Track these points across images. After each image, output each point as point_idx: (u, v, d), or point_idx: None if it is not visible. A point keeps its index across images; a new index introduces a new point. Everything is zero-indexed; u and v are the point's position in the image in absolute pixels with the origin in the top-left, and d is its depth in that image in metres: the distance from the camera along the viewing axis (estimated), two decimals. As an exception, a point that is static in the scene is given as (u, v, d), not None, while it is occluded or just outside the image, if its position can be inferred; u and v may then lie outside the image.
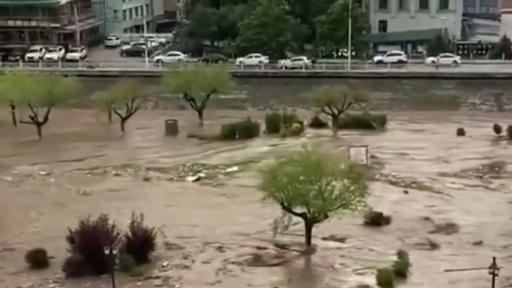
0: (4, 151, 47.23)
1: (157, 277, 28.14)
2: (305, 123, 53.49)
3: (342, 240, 31.77)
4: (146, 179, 41.52)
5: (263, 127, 52.11)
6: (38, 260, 29.04)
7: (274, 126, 51.96)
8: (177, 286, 27.36)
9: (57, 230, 30.21)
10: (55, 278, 28.12)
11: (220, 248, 30.94)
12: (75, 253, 28.57)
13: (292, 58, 79.05)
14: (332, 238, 31.80)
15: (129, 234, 29.22)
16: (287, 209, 30.30)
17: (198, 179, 41.20)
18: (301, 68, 77.17)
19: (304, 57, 79.06)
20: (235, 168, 42.92)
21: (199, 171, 42.60)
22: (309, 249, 30.52)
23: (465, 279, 27.17)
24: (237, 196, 37.26)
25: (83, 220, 28.88)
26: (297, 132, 51.32)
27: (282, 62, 78.55)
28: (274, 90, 72.34)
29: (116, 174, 42.48)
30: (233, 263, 29.45)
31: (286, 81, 75.38)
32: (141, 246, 29.13)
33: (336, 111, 52.92)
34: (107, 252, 26.26)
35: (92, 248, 27.71)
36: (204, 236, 32.15)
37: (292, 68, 77.45)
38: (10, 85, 51.39)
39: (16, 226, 32.95)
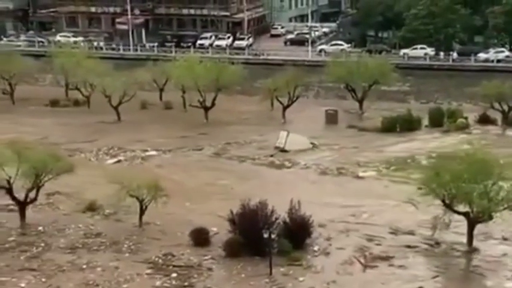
0: (180, 131, 50.39)
1: (300, 264, 28.12)
2: (471, 119, 51.23)
3: (507, 243, 30.17)
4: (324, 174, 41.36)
5: (425, 121, 50.65)
6: (199, 238, 30.02)
7: (437, 121, 50.40)
8: (301, 279, 27.15)
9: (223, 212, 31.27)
10: (214, 254, 29.20)
11: (370, 240, 30.54)
12: (235, 234, 29.72)
13: (495, 50, 75.53)
14: (497, 240, 30.30)
15: (287, 220, 29.79)
16: (448, 206, 29.35)
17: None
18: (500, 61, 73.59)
19: (505, 49, 75.23)
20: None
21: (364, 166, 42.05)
22: (470, 249, 29.38)
23: None
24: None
25: (244, 203, 29.90)
26: (462, 128, 49.38)
27: (481, 55, 74.43)
28: (439, 84, 69.76)
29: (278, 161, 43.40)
30: (375, 257, 28.82)
31: (452, 75, 72.39)
32: (298, 232, 29.59)
33: (506, 108, 50.09)
34: (265, 235, 27.16)
35: (251, 230, 28.61)
36: (359, 225, 32.13)
37: (496, 61, 73.65)
38: (182, 71, 54.50)
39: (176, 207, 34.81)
